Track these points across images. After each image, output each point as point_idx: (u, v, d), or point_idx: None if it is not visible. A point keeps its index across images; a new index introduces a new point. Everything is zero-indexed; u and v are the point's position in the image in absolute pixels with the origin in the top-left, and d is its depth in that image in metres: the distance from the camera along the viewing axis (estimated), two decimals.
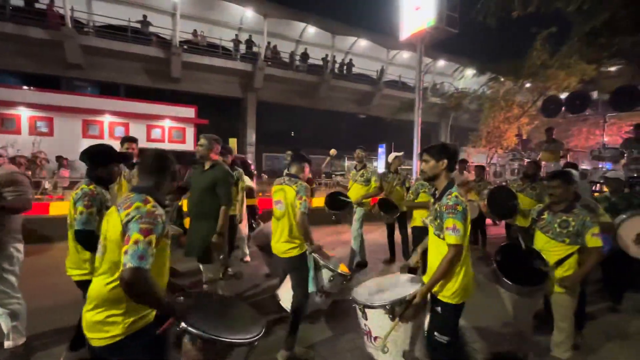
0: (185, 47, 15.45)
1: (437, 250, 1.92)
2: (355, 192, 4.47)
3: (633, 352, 2.85)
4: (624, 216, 3.08)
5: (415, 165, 11.66)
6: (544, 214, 2.47)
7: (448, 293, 1.89)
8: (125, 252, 1.25)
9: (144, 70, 15.20)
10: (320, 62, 18.50)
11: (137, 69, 15.03)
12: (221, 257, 2.82)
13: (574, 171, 2.71)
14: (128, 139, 3.38)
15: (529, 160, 6.05)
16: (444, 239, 1.86)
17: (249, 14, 16.74)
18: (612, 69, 7.53)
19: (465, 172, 7.04)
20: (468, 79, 17.73)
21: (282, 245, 2.56)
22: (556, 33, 11.30)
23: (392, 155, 4.88)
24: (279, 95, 18.37)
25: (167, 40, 15.40)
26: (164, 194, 1.49)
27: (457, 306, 1.89)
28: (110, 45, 13.87)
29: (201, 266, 2.85)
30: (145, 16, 15.00)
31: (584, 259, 2.30)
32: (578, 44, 5.52)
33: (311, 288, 2.65)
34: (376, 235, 6.68)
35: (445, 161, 1.91)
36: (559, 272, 2.32)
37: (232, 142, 14.38)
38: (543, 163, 6.44)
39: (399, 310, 1.91)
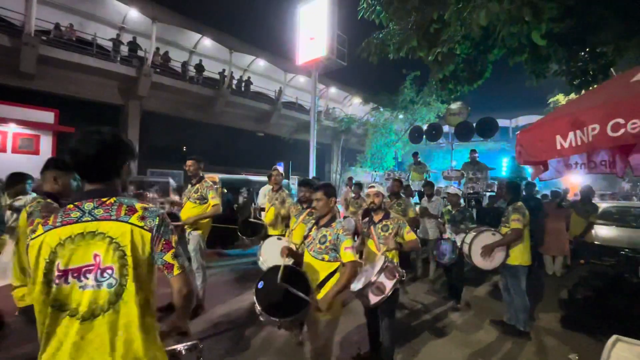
0: (44, 38, 12.69)
1: None
2: (187, 211, 3.62)
3: (454, 344, 3.33)
4: (473, 233, 3.61)
5: None
6: (312, 230, 2.23)
7: None
8: None
9: None
10: (217, 76, 17.84)
11: None
12: None
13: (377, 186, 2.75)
14: None
15: (395, 178, 7.17)
16: None
17: (133, 14, 14.99)
18: (455, 107, 9.64)
19: (348, 188, 7.76)
20: (356, 106, 19.87)
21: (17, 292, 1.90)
22: (420, 76, 13.87)
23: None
24: (169, 106, 16.80)
25: (16, 26, 12.37)
26: None
27: None
28: None
29: None
30: None
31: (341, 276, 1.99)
32: (435, 87, 6.78)
33: None
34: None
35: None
36: (321, 295, 1.99)
37: None
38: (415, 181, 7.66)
39: None
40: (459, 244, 4.01)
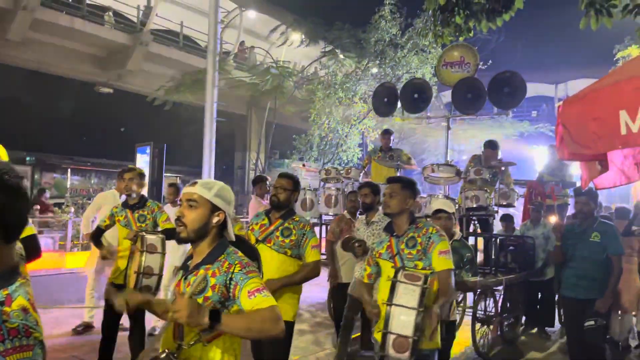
0: None
1: None
2: None
3: None
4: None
5: None
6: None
7: None
8: None
9: None
10: None
11: None
12: None
13: None
14: None
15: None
16: None
17: None
18: (456, 52, 9.77)
19: (255, 196, 7.81)
20: (294, 47, 19.96)
21: None
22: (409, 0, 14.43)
23: None
24: None
25: None
26: None
27: None
28: None
29: None
30: None
31: None
32: (433, 21, 7.09)
33: None
34: None
35: None
36: None
37: None
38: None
39: None
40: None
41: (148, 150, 15.17)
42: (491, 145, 7.99)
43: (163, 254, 4.42)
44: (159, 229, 5.01)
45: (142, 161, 15.91)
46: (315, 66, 19.51)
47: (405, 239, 3.49)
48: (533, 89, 29.10)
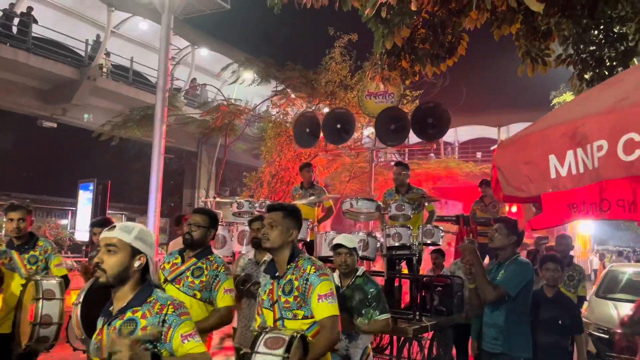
0: None
1: None
2: None
3: None
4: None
5: (153, 226, 11.67)
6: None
7: None
8: None
9: None
10: None
11: None
12: None
13: None
14: None
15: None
16: None
17: None
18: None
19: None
20: (245, 85, 20.08)
21: None
22: (359, 42, 14.83)
23: None
24: None
25: None
26: None
27: None
28: None
29: None
30: None
31: None
32: (380, 64, 7.27)
33: None
34: None
35: None
36: None
37: None
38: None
39: None
40: None
41: (91, 187, 14.74)
42: (396, 165, 7.50)
43: (62, 299, 4.01)
44: (51, 273, 4.48)
45: (85, 198, 15.43)
46: (267, 104, 19.67)
47: (284, 283, 3.02)
48: (477, 131, 30.32)
